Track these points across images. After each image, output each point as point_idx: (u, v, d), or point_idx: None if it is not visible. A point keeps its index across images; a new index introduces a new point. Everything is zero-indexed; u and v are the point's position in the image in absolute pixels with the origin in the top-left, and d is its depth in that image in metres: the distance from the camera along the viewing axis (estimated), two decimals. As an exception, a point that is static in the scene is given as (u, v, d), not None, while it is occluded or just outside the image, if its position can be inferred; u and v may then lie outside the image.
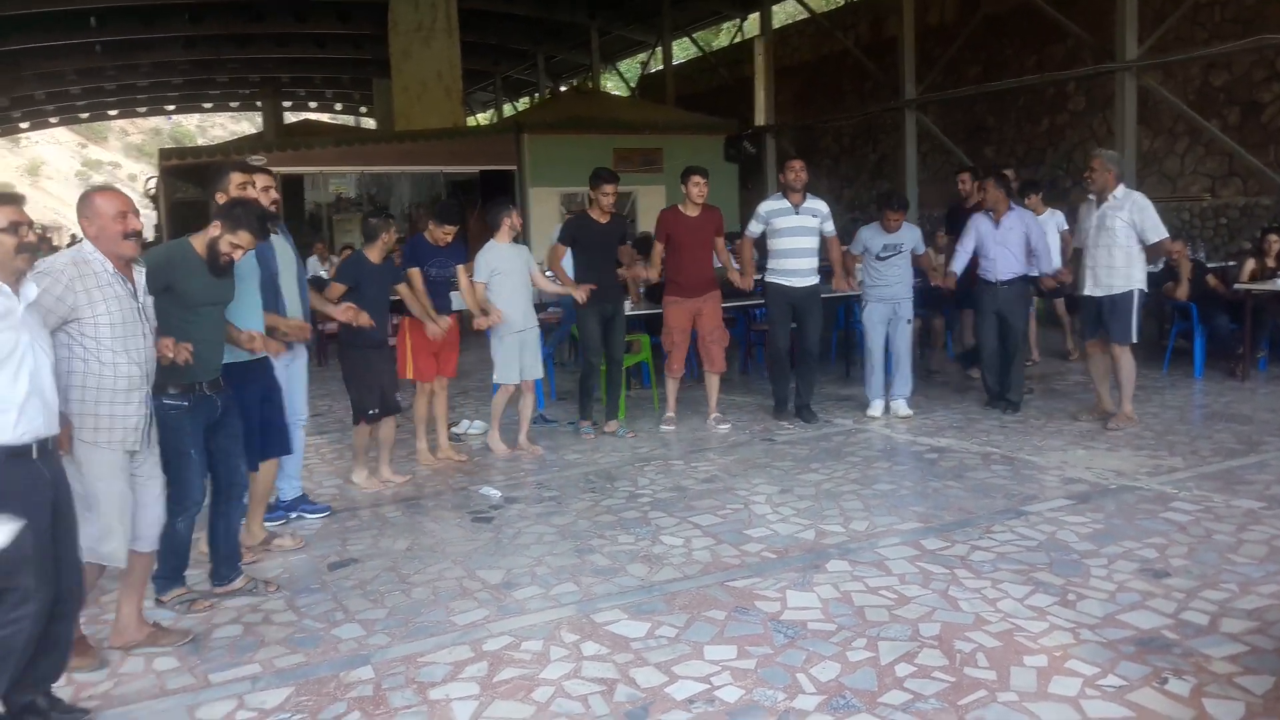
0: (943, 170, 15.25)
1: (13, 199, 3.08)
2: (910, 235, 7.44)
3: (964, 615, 3.79)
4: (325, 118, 34.65)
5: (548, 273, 7.41)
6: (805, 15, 19.55)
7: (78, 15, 19.53)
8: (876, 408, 7.50)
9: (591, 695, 3.29)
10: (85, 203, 3.56)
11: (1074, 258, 7.19)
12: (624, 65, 28.19)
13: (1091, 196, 6.83)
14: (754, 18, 20.51)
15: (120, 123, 57.73)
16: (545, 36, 24.62)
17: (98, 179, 55.60)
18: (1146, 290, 6.80)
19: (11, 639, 2.94)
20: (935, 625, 3.71)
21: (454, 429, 7.36)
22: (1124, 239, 6.60)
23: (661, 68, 22.34)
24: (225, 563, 4.38)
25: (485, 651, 3.66)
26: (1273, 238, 8.64)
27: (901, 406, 7.45)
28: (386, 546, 4.96)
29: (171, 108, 37.51)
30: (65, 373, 3.34)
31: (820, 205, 7.35)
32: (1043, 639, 3.55)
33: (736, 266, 7.78)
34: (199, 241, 4.08)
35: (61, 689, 3.36)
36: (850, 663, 3.44)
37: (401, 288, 6.26)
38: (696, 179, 7.15)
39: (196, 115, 57.77)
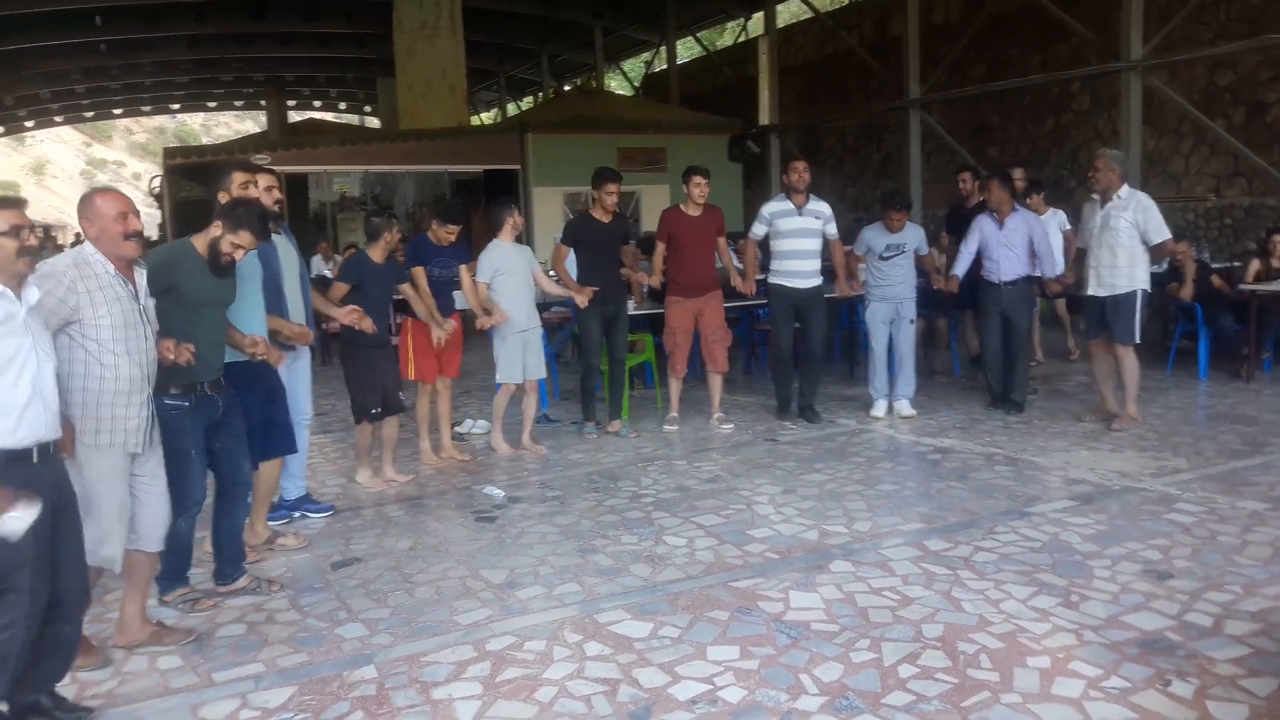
0: (947, 170, 15.21)
1: (14, 203, 3.09)
2: (913, 235, 7.44)
3: (967, 616, 3.79)
4: (329, 117, 34.69)
5: (551, 273, 7.41)
6: (809, 15, 19.53)
7: (83, 14, 19.55)
8: (880, 408, 7.50)
9: (594, 695, 3.29)
10: (86, 204, 3.56)
11: (1077, 258, 7.18)
12: (628, 64, 28.19)
13: (1095, 196, 6.83)
14: (758, 17, 20.51)
15: (125, 121, 57.90)
16: (549, 35, 24.62)
17: (102, 178, 55.79)
18: (1150, 290, 6.79)
19: (5, 646, 2.95)
20: (938, 626, 3.71)
21: (457, 428, 7.37)
22: (1127, 239, 6.59)
23: (665, 67, 22.34)
24: (229, 562, 4.39)
25: (488, 651, 3.66)
26: (1278, 238, 8.62)
27: (905, 407, 7.45)
28: (390, 546, 4.97)
29: (176, 106, 37.56)
30: (66, 375, 3.34)
31: (823, 207, 7.35)
32: (1046, 640, 3.55)
33: (738, 266, 7.77)
34: (200, 242, 4.08)
35: (65, 688, 3.37)
36: (853, 663, 3.44)
37: (406, 288, 6.27)
38: (698, 179, 7.15)
39: (201, 114, 57.88)
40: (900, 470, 6.05)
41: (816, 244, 7.34)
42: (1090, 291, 6.80)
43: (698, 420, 7.52)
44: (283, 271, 5.03)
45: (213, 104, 37.37)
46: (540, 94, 29.12)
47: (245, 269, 4.44)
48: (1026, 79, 14.21)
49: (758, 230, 7.46)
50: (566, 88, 27.66)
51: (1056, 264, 7.62)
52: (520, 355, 6.70)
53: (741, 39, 23.82)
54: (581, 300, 6.83)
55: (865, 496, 5.45)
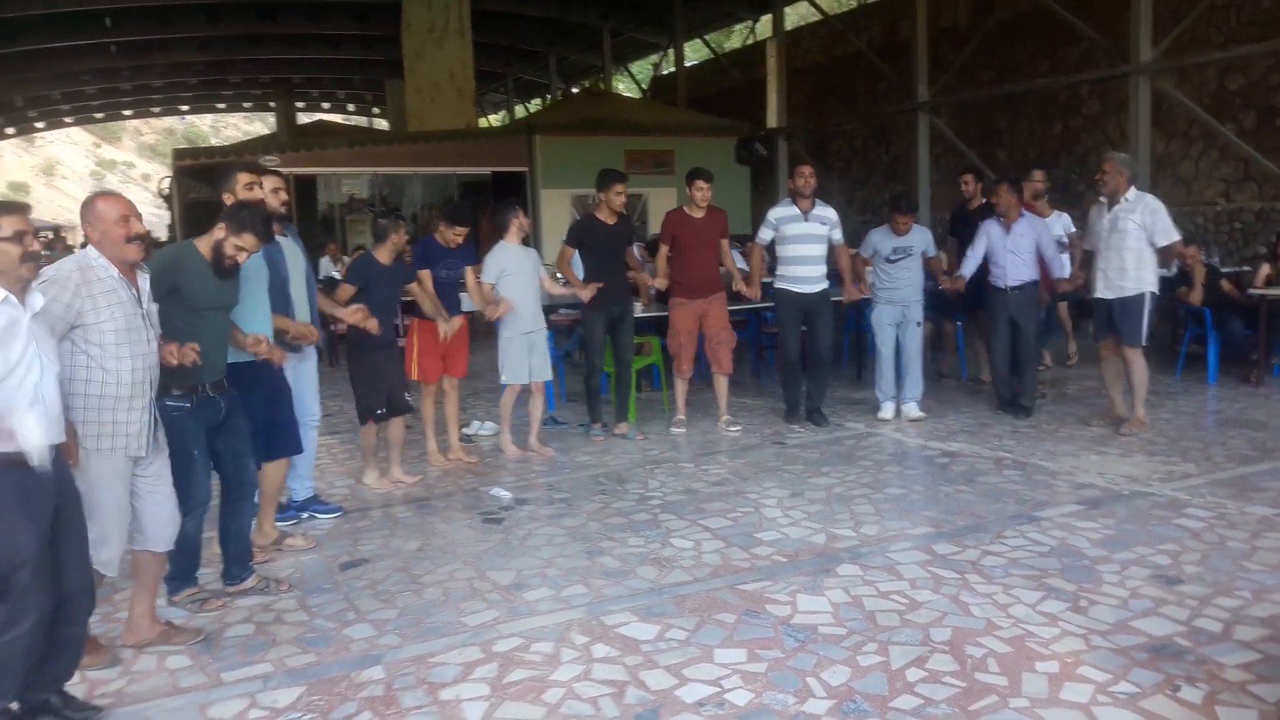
0: (955, 173, 15.06)
1: (18, 208, 3.09)
2: (920, 238, 7.43)
3: (975, 620, 3.78)
4: (338, 118, 34.79)
5: (558, 275, 7.42)
6: (818, 17, 19.54)
7: (93, 15, 19.65)
8: (887, 410, 7.49)
9: (601, 697, 3.29)
10: (88, 208, 3.56)
11: (1084, 260, 7.17)
12: (636, 67, 28.20)
13: (1103, 199, 6.82)
14: (766, 19, 20.52)
15: (134, 123, 58.05)
16: (557, 38, 24.66)
17: (112, 179, 56.01)
18: (1158, 293, 6.78)
19: (8, 654, 2.96)
20: (946, 630, 3.70)
21: (465, 430, 7.38)
22: (1135, 241, 6.59)
23: (673, 69, 22.35)
24: (236, 562, 4.39)
25: (496, 653, 3.67)
26: (1288, 242, 8.59)
27: (912, 409, 7.44)
28: (398, 547, 4.98)
29: (186, 108, 37.73)
30: (68, 380, 3.34)
31: (829, 213, 7.34)
32: (1054, 645, 3.54)
33: (741, 267, 7.76)
34: (204, 244, 4.09)
35: (75, 687, 3.38)
36: (861, 667, 3.43)
37: (414, 287, 6.28)
38: (700, 184, 7.16)
39: (210, 115, 58.09)
40: (908, 474, 6.04)
41: (823, 249, 7.34)
42: (1098, 294, 6.79)
43: (705, 423, 7.52)
44: (289, 273, 5.04)
45: (222, 105, 37.52)
46: (548, 96, 29.16)
47: (251, 270, 4.45)
48: (1035, 82, 14.20)
49: (764, 235, 7.46)
50: (574, 90, 27.68)
51: (1064, 266, 7.62)
52: (526, 356, 6.71)
53: (750, 41, 23.84)
54: (586, 295, 6.83)
55: (873, 500, 5.45)
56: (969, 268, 7.39)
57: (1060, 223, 8.74)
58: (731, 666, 3.47)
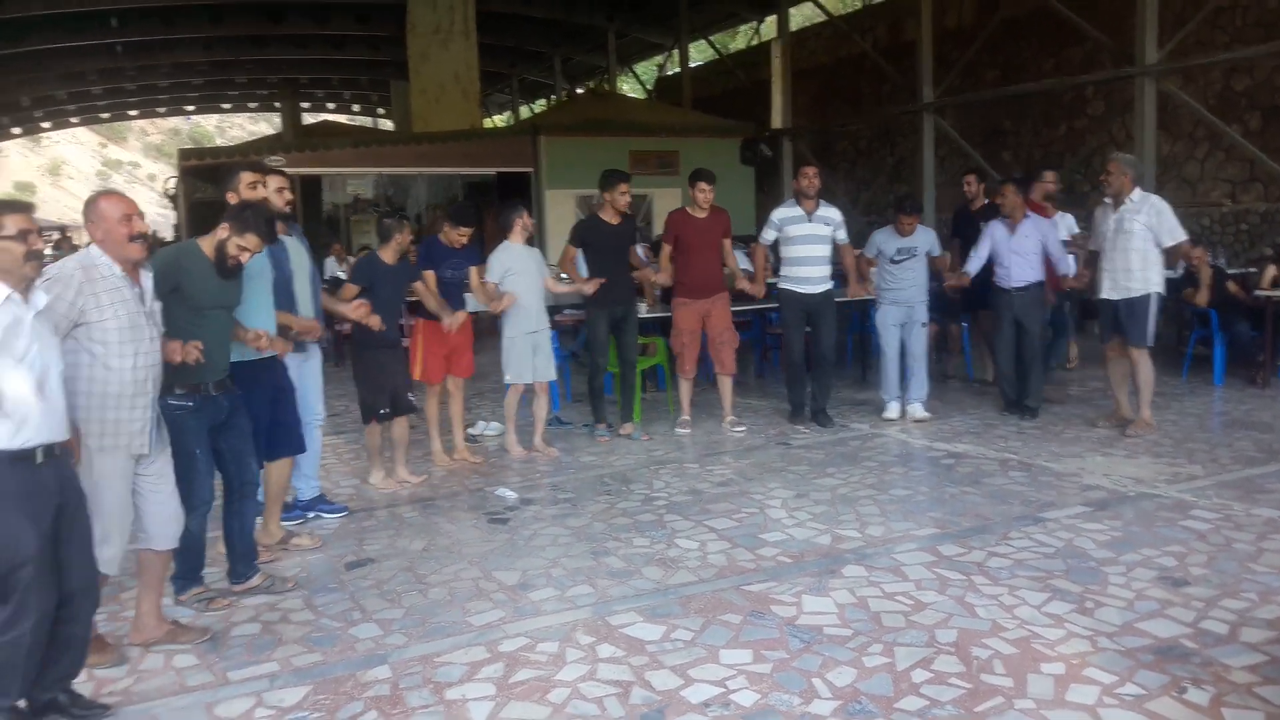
0: (960, 174, 15.14)
1: (22, 207, 3.10)
2: (925, 238, 7.43)
3: (981, 622, 3.78)
4: (343, 119, 34.82)
5: (562, 275, 7.43)
6: (823, 18, 19.52)
7: (99, 16, 19.70)
8: (893, 410, 7.49)
9: (607, 697, 3.29)
10: (90, 207, 3.57)
11: (1090, 260, 7.16)
12: (641, 68, 28.21)
13: (1108, 200, 6.81)
14: (771, 20, 20.48)
15: (140, 123, 58.15)
16: (562, 39, 24.68)
17: (118, 179, 56.11)
18: (1164, 294, 6.78)
19: (11, 652, 2.96)
20: (952, 632, 3.70)
21: (470, 430, 7.38)
22: (1141, 242, 6.58)
23: (678, 70, 22.35)
24: (242, 560, 4.41)
25: (501, 652, 3.67)
26: (1294, 243, 8.58)
27: (918, 409, 7.43)
28: (403, 547, 4.98)
29: (191, 108, 37.80)
30: (71, 378, 3.34)
31: (833, 213, 7.35)
32: (1060, 646, 3.54)
33: (746, 268, 7.76)
34: (207, 244, 4.10)
35: (82, 685, 3.39)
36: (866, 668, 3.43)
37: (418, 286, 6.29)
38: (702, 185, 7.16)
39: (215, 116, 58.17)
40: (914, 475, 6.04)
41: (826, 249, 7.35)
42: (1104, 295, 6.78)
43: (710, 424, 7.52)
44: (293, 272, 5.05)
45: (227, 106, 37.59)
46: (553, 97, 29.19)
47: (255, 269, 4.45)
48: (1040, 83, 14.18)
49: (767, 235, 7.47)
50: (579, 91, 27.70)
51: (1070, 264, 7.61)
52: (529, 356, 6.72)
53: (754, 42, 23.82)
54: (590, 288, 6.83)
55: (878, 501, 5.44)
56: (974, 266, 7.39)
57: (1064, 223, 8.72)
58: (737, 667, 3.47)
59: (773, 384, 9.23)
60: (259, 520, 4.88)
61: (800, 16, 22.25)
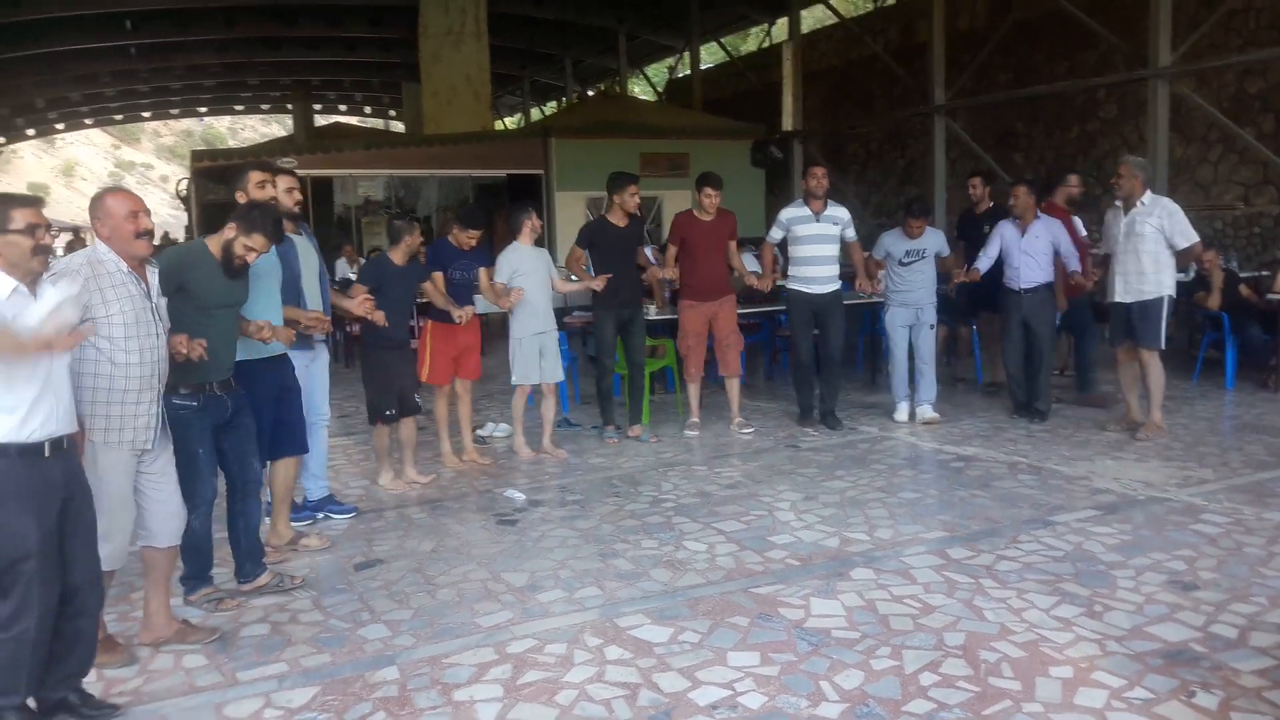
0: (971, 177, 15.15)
1: (31, 201, 3.13)
2: (933, 240, 7.43)
3: (989, 625, 3.78)
4: (355, 121, 34.96)
5: (572, 277, 7.44)
6: (834, 20, 19.52)
7: (114, 18, 19.81)
8: (902, 411, 7.49)
9: (614, 699, 3.30)
10: (97, 204, 3.60)
11: (1101, 263, 7.12)
12: (651, 70, 28.22)
13: (1119, 203, 6.79)
14: (782, 23, 20.50)
15: (153, 124, 58.46)
16: (573, 41, 24.71)
17: (130, 180, 56.33)
18: (1176, 297, 6.75)
19: (16, 648, 2.98)
20: (960, 635, 3.70)
21: (479, 431, 7.40)
22: (1153, 245, 6.56)
23: (689, 72, 22.35)
24: (248, 559, 4.42)
25: (509, 654, 3.68)
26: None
27: (927, 410, 7.42)
28: (412, 548, 5.00)
29: (204, 110, 37.99)
30: (77, 373, 3.36)
31: (841, 212, 7.34)
32: (1068, 650, 3.53)
33: (752, 270, 7.77)
34: (214, 243, 4.12)
35: (92, 685, 3.41)
36: (874, 671, 3.43)
37: (426, 286, 6.31)
38: (709, 190, 7.17)
39: (228, 117, 58.44)
40: (922, 478, 6.03)
41: (834, 249, 7.35)
42: (1117, 298, 6.76)
43: (719, 426, 7.52)
44: (302, 271, 5.07)
45: (240, 107, 37.75)
46: (564, 99, 29.23)
47: (264, 267, 4.48)
48: (1053, 86, 14.15)
49: (775, 235, 7.48)
50: (590, 92, 27.73)
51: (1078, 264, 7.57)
52: (536, 358, 6.73)
53: (766, 44, 23.83)
54: (598, 284, 6.84)
55: (887, 504, 5.44)
56: (984, 264, 7.37)
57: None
58: (744, 669, 3.47)
59: (781, 386, 9.22)
60: (267, 521, 4.91)
61: (811, 19, 22.26)
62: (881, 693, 3.27)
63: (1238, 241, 12.53)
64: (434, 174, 17.80)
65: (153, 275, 3.67)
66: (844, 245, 7.43)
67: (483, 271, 6.64)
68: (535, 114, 32.03)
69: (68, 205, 45.66)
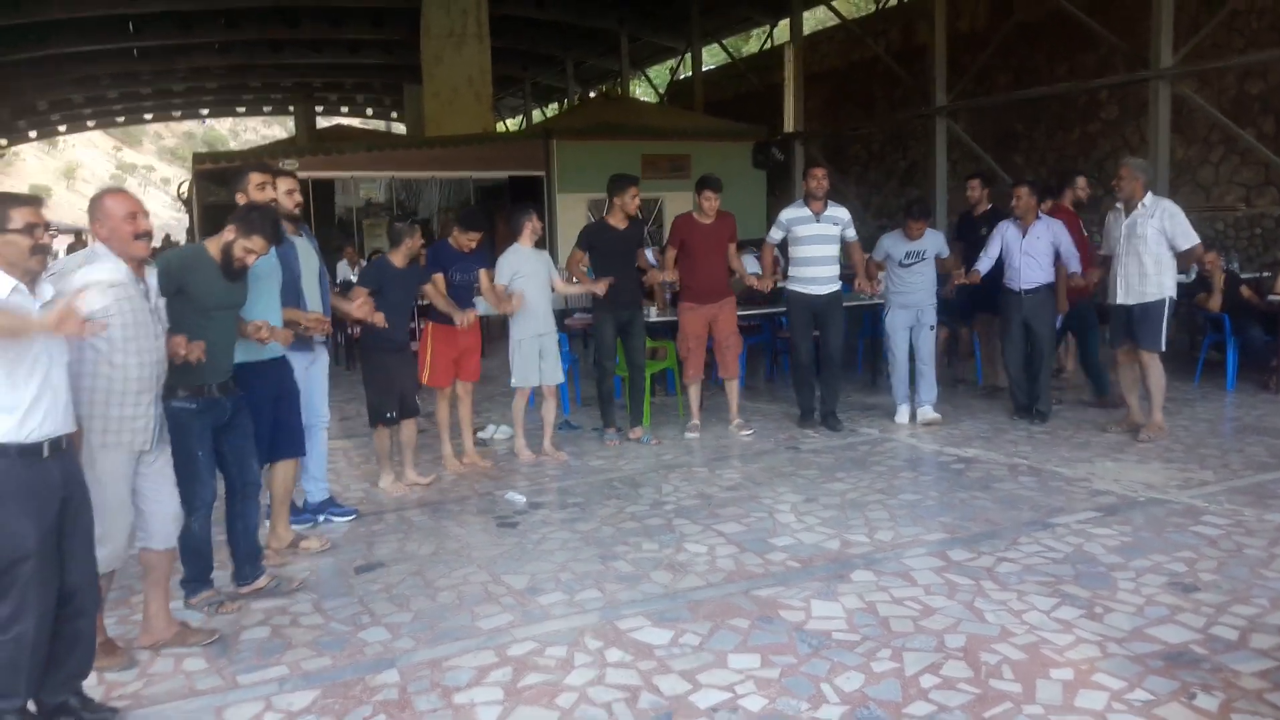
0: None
1: (30, 200, 3.13)
2: (933, 241, 7.43)
3: (990, 627, 3.78)
4: (356, 123, 35.00)
5: (574, 280, 7.44)
6: (835, 22, 19.53)
7: (116, 20, 19.84)
8: (903, 413, 7.49)
9: (615, 702, 3.30)
10: (95, 205, 3.60)
11: (1102, 264, 7.12)
12: (653, 71, 28.25)
13: (1119, 205, 6.79)
14: (784, 24, 20.51)
15: (155, 126, 58.44)
16: (575, 42, 24.73)
17: (132, 182, 56.37)
18: (1177, 298, 6.75)
19: (16, 650, 2.98)
20: (961, 637, 3.69)
21: (479, 434, 7.40)
22: (1155, 246, 6.56)
23: (691, 74, 22.35)
24: (247, 561, 4.43)
25: (510, 657, 3.68)
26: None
27: (928, 411, 7.42)
28: (412, 550, 5.00)
29: (206, 112, 37.97)
30: (75, 375, 3.35)
31: (841, 212, 7.35)
32: (1069, 652, 3.53)
33: (753, 272, 7.77)
34: (214, 245, 4.13)
35: (92, 688, 3.41)
36: (875, 673, 3.43)
37: (428, 288, 6.31)
38: (708, 194, 7.17)
39: (229, 120, 58.47)
40: (923, 480, 6.02)
41: (834, 250, 7.35)
42: (1119, 300, 6.75)
43: (719, 428, 7.52)
44: (302, 273, 5.07)
45: (242, 109, 37.72)
46: (565, 100, 29.24)
47: (264, 269, 4.48)
48: (1054, 87, 14.15)
49: (774, 235, 7.48)
50: (591, 94, 27.75)
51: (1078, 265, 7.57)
52: (535, 359, 6.73)
53: (767, 46, 23.84)
54: (600, 288, 6.84)
55: (887, 506, 5.44)
56: (985, 265, 7.37)
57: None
58: (745, 672, 3.47)
59: (782, 388, 9.21)
60: (267, 523, 4.91)
61: (813, 20, 22.28)
62: (882, 695, 3.27)
63: (1239, 243, 12.52)
64: (435, 176, 17.80)
65: (151, 276, 3.67)
66: (844, 246, 7.43)
67: (483, 273, 6.64)
68: (537, 116, 32.06)
69: (69, 207, 45.70)
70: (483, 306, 6.96)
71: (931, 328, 7.47)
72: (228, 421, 4.18)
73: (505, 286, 6.62)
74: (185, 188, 21.04)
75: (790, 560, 4.62)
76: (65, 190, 52.74)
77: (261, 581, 4.42)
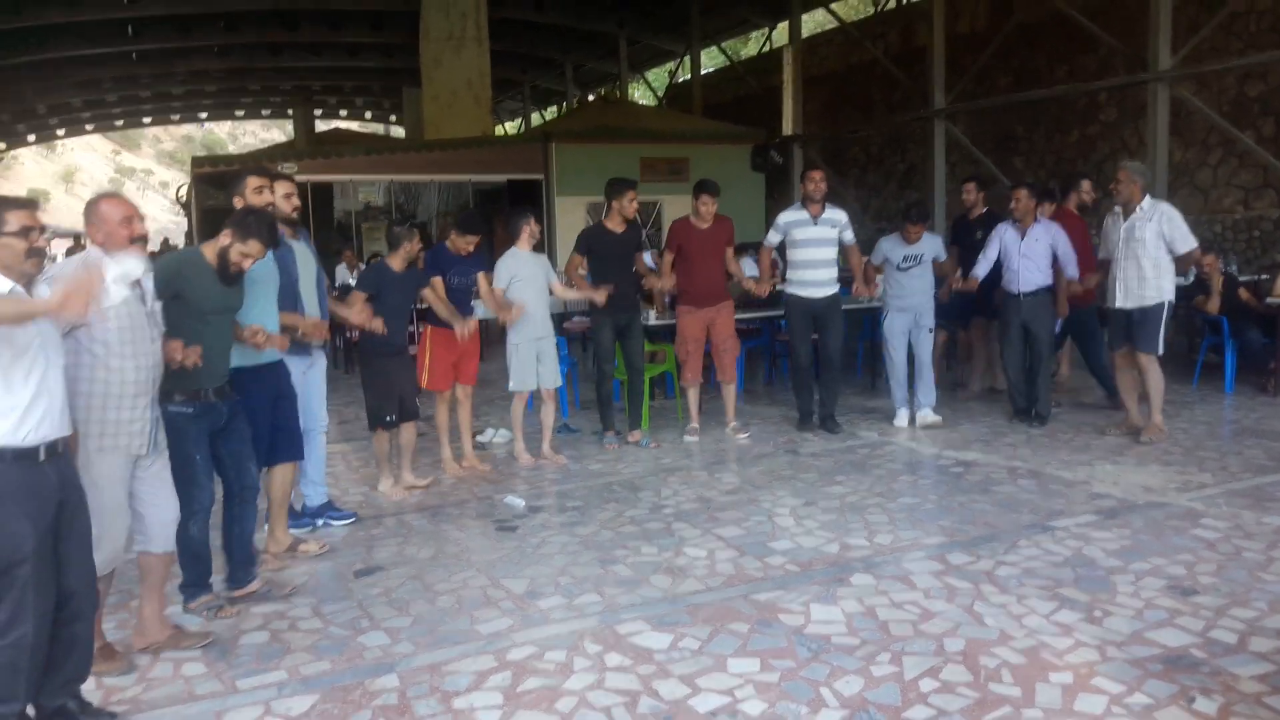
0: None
1: (25, 204, 3.13)
2: (931, 245, 7.43)
3: (989, 631, 3.78)
4: (355, 126, 35.00)
5: (573, 285, 7.45)
6: (834, 25, 19.55)
7: (116, 24, 19.85)
8: (902, 417, 7.49)
9: (614, 707, 3.30)
10: (91, 210, 3.61)
11: (1100, 267, 7.12)
12: (652, 74, 28.27)
13: (1118, 208, 6.80)
14: (783, 27, 20.53)
15: (153, 130, 58.49)
16: (574, 45, 24.74)
17: (131, 186, 56.43)
18: (1175, 301, 6.75)
19: (15, 653, 2.97)
20: (960, 640, 3.69)
21: (478, 438, 7.40)
22: (1154, 250, 6.57)
23: (689, 77, 22.37)
24: (240, 566, 4.43)
25: (509, 661, 3.68)
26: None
27: (927, 414, 7.42)
28: (411, 554, 5.00)
29: (204, 115, 38.04)
30: (72, 379, 3.35)
31: (839, 215, 7.35)
32: (1068, 656, 3.53)
33: (751, 275, 7.77)
34: (210, 250, 4.13)
35: (91, 693, 3.41)
36: (874, 677, 3.43)
37: (427, 292, 6.32)
38: (705, 199, 7.18)
39: (228, 124, 58.44)
40: (922, 483, 6.02)
41: (832, 253, 7.35)
42: (1117, 304, 6.76)
43: (719, 431, 7.52)
44: (299, 277, 5.07)
45: (240, 113, 37.77)
46: (564, 104, 29.26)
47: (261, 274, 4.48)
48: (1053, 89, 14.16)
49: (772, 238, 7.49)
50: (590, 97, 27.76)
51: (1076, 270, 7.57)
52: (533, 363, 6.73)
53: (766, 49, 23.85)
54: (600, 296, 6.85)
55: (887, 509, 5.44)
56: (982, 270, 7.37)
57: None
58: (745, 676, 3.47)
59: (781, 391, 9.21)
60: (266, 528, 4.91)
61: (812, 23, 22.31)
62: (882, 699, 3.27)
63: (1237, 245, 12.52)
64: (434, 179, 17.81)
65: (147, 280, 3.67)
66: (843, 248, 7.43)
67: (481, 277, 6.65)
68: (536, 119, 32.05)
69: (68, 211, 45.69)
70: (481, 310, 6.96)
71: (930, 331, 7.48)
72: (224, 426, 4.18)
73: (504, 293, 6.62)
74: (184, 191, 21.02)
75: (789, 564, 4.62)
76: (64, 194, 52.73)
77: (254, 586, 4.42)
